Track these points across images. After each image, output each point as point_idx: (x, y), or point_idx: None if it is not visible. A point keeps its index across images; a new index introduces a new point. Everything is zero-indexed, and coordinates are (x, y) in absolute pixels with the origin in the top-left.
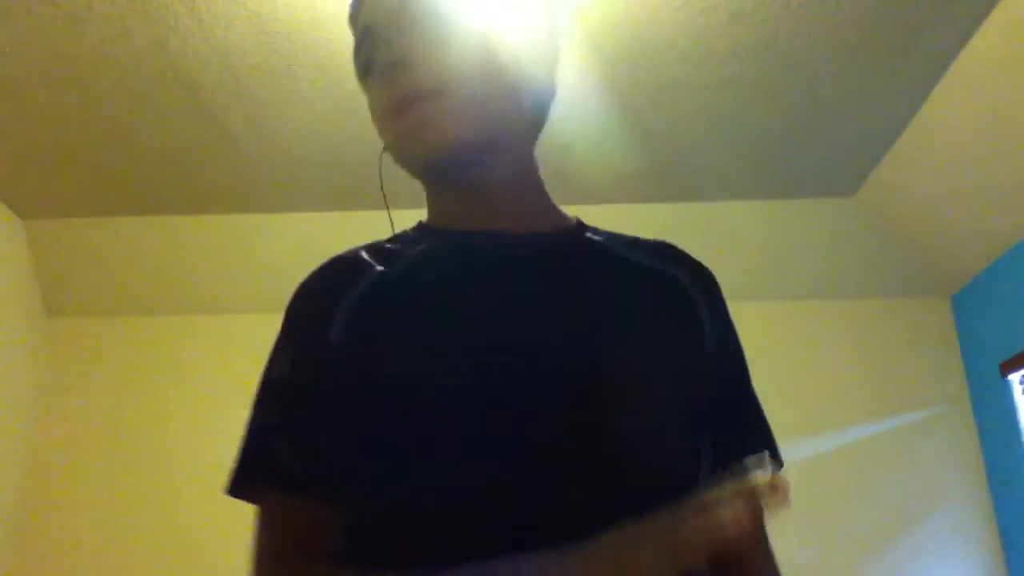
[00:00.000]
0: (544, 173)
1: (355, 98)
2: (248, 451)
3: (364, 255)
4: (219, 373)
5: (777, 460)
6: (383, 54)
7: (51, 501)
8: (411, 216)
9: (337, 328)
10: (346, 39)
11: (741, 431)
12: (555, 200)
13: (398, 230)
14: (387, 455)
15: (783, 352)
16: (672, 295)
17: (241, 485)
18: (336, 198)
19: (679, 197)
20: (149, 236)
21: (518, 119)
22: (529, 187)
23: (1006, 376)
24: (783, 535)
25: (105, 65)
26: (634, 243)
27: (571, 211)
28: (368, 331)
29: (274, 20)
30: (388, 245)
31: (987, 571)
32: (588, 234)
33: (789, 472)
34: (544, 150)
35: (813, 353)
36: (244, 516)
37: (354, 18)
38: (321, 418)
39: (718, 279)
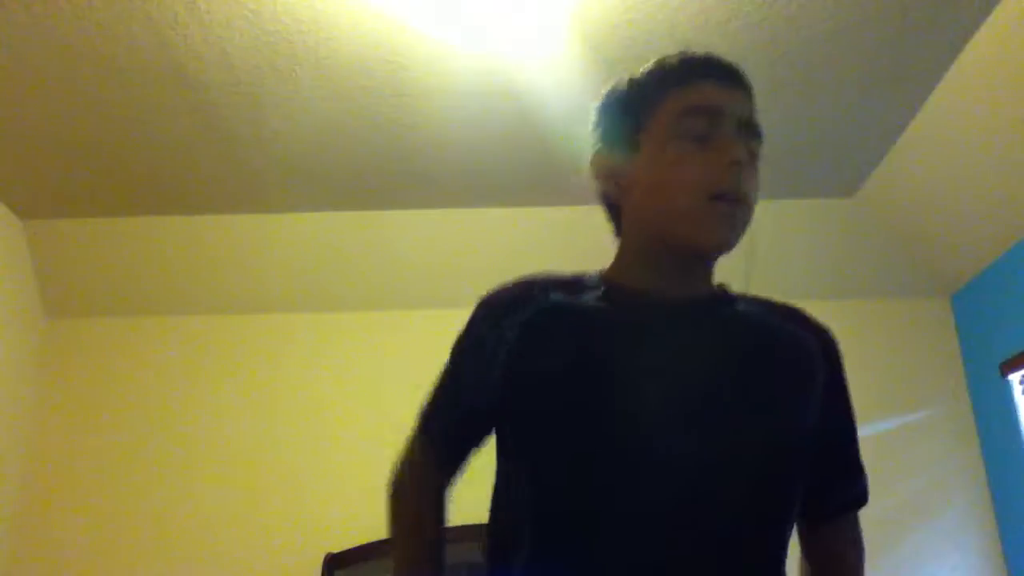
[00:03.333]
0: (544, 173)
1: (355, 98)
2: (425, 408)
3: (545, 282)
4: (219, 373)
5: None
6: (738, 151)
7: (50, 501)
8: (412, 216)
9: (507, 344)
10: (346, 39)
11: (841, 482)
12: (557, 201)
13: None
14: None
15: None
16: (805, 360)
17: (417, 428)
18: (336, 198)
19: None
20: (149, 236)
21: None
22: (709, 272)
23: (1006, 376)
24: None
25: (105, 65)
26: (771, 308)
27: (573, 212)
28: (534, 356)
29: (274, 20)
30: (571, 280)
31: (987, 571)
32: (734, 300)
33: None
34: (544, 150)
35: None
36: (242, 516)
37: (691, 73)
38: (472, 410)
39: (720, 280)
